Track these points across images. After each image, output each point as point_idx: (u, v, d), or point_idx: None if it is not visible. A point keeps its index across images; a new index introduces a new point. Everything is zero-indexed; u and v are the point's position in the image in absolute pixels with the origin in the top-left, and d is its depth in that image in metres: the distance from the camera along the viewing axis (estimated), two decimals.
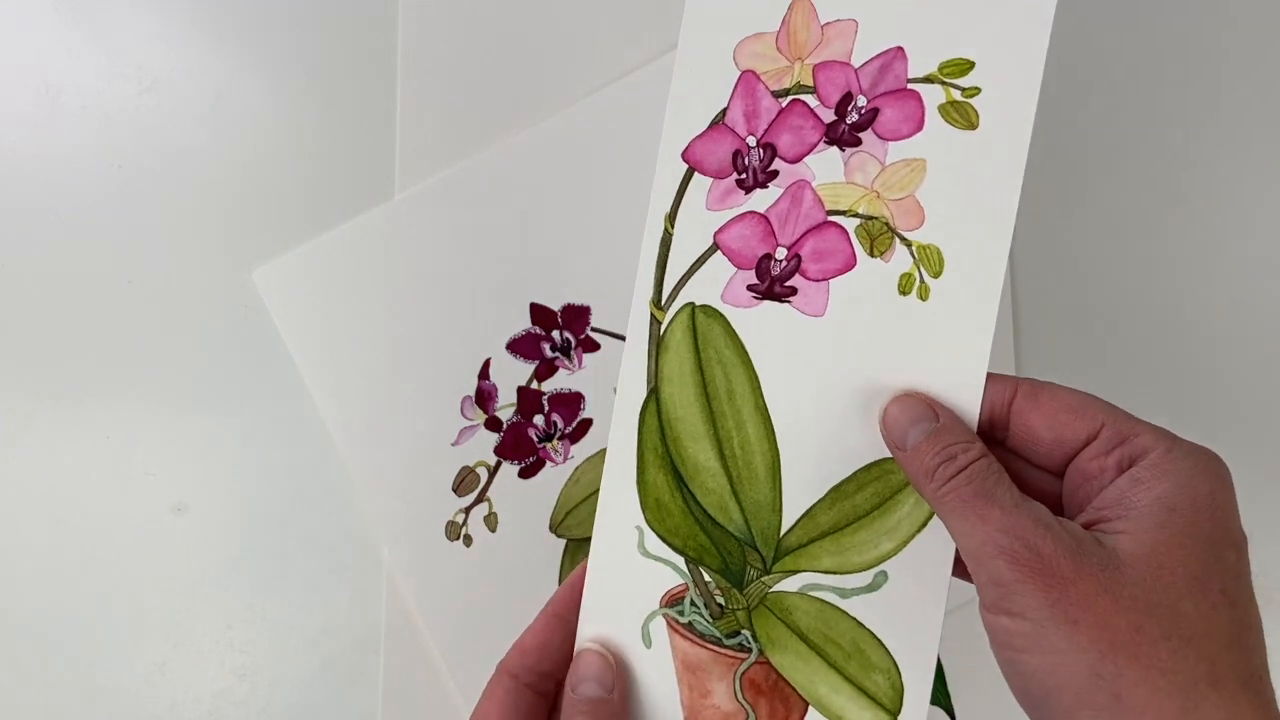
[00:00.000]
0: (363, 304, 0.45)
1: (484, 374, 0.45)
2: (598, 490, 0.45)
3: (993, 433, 0.32)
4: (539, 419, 0.46)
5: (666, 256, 0.34)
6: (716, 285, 0.34)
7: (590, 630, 0.35)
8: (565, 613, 0.34)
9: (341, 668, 0.46)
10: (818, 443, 0.34)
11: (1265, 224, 0.48)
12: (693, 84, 0.34)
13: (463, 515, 0.45)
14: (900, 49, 0.33)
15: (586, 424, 0.46)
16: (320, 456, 0.45)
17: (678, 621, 0.35)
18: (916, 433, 0.31)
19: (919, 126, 0.33)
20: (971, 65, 0.33)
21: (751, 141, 0.34)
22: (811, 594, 0.34)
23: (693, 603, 0.35)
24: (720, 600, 0.35)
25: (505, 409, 0.45)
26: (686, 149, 0.34)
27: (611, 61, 0.46)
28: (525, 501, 0.45)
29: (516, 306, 0.46)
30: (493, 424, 0.45)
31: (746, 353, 0.34)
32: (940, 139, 0.33)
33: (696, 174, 0.34)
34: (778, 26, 0.34)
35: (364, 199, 0.46)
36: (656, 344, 0.35)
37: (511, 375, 0.45)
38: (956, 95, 0.33)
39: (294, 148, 0.46)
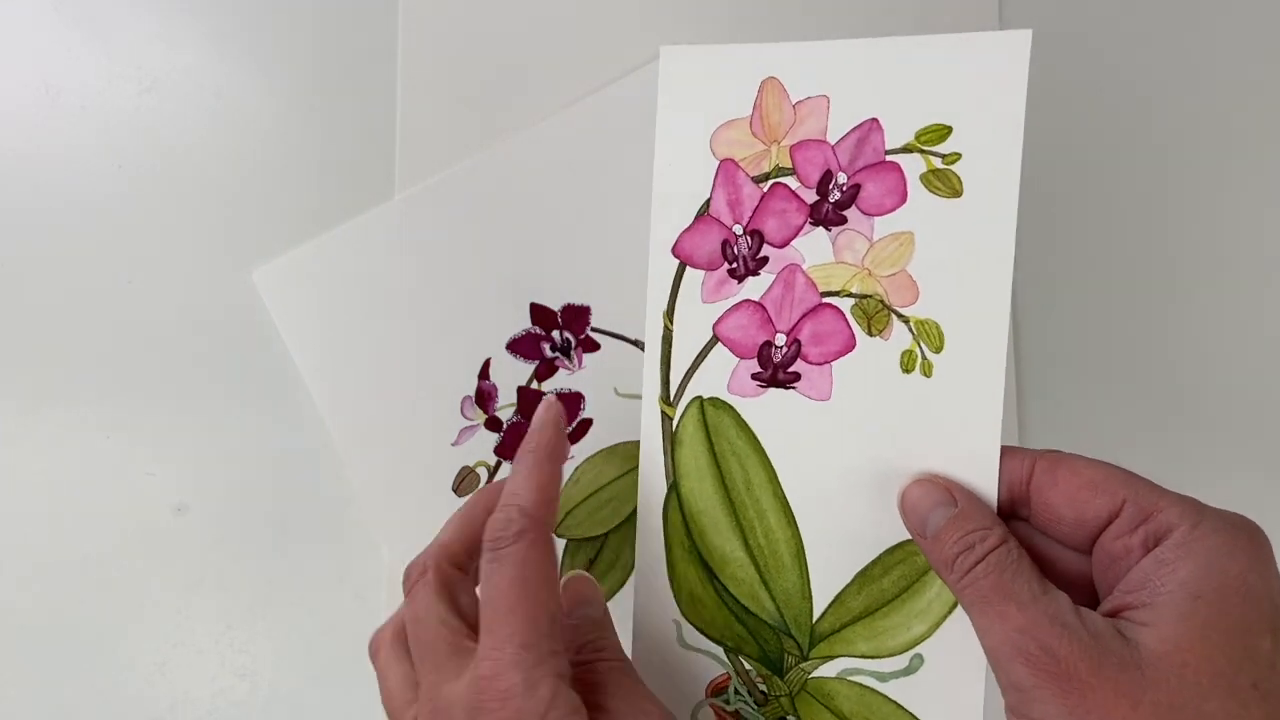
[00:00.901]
0: (363, 304, 0.45)
1: (484, 374, 0.45)
2: (598, 490, 0.46)
3: (1015, 510, 0.31)
4: None
5: (670, 353, 0.35)
6: (722, 377, 0.34)
7: None
8: (553, 451, 0.34)
9: (341, 668, 0.46)
10: (840, 527, 0.33)
11: (1266, 223, 0.48)
12: (674, 178, 0.34)
13: None
14: (875, 120, 0.32)
15: (586, 424, 0.46)
16: (320, 456, 0.45)
17: (725, 710, 0.35)
18: (936, 519, 0.30)
19: (903, 199, 0.32)
20: (949, 130, 0.32)
21: (738, 230, 0.34)
22: (851, 678, 0.34)
23: (737, 691, 0.35)
24: (763, 688, 0.35)
25: (505, 409, 0.45)
26: (676, 244, 0.34)
27: (612, 61, 0.46)
28: None
29: (516, 306, 0.46)
30: (493, 424, 0.45)
31: (759, 442, 0.34)
32: (925, 210, 0.32)
33: (689, 268, 0.34)
34: (750, 111, 0.33)
35: (364, 199, 0.46)
36: (671, 440, 0.35)
37: (511, 375, 0.45)
38: (937, 163, 0.32)
39: (294, 148, 0.46)
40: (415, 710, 0.30)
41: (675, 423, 0.35)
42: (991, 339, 0.31)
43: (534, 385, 0.46)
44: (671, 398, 0.35)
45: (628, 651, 0.34)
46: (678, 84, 0.34)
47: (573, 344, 0.46)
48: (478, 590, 0.32)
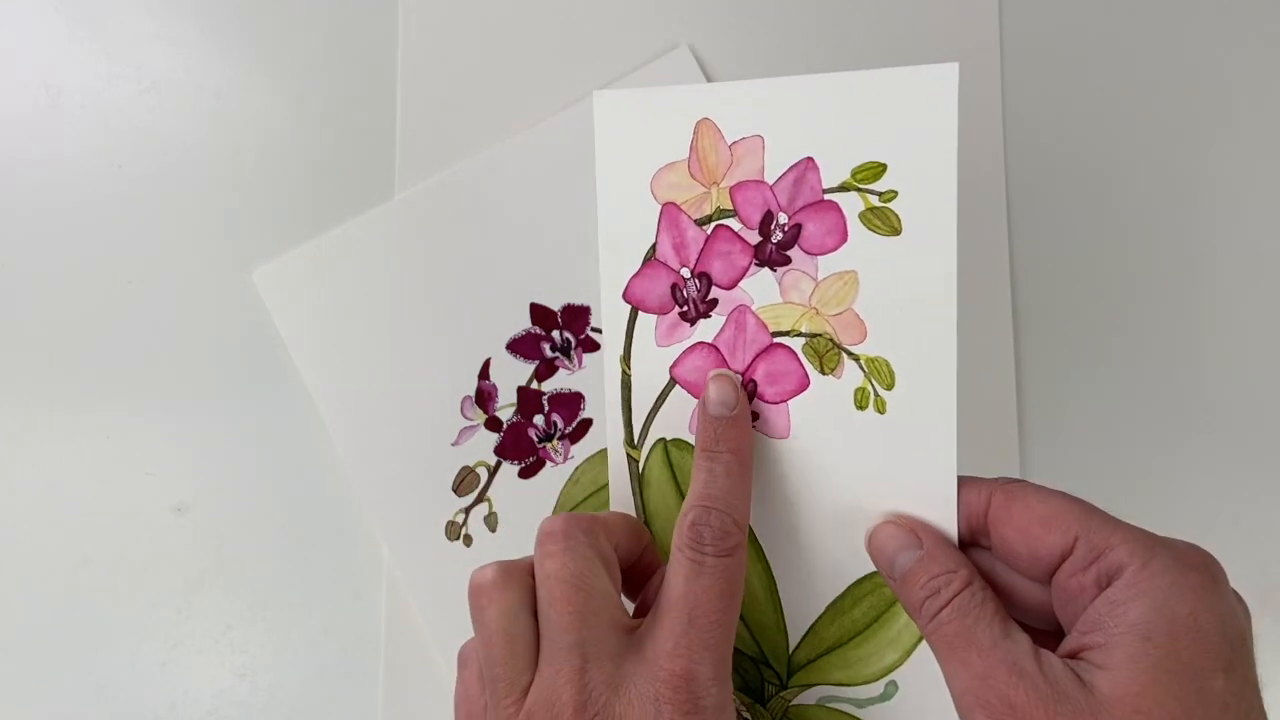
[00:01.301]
0: (363, 304, 0.45)
1: (484, 374, 0.45)
2: (598, 490, 0.46)
3: (975, 540, 0.32)
4: (539, 419, 0.46)
5: (630, 397, 0.35)
6: (682, 418, 0.34)
7: None
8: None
9: (341, 668, 0.46)
10: (808, 561, 0.34)
11: (1267, 223, 0.48)
12: (618, 223, 0.34)
13: (463, 515, 0.45)
14: (810, 160, 0.32)
15: (586, 424, 0.46)
16: (320, 456, 0.45)
17: None
18: (903, 561, 0.31)
19: (844, 237, 0.32)
20: (883, 168, 0.32)
21: (686, 273, 0.34)
22: (830, 705, 0.35)
23: None
24: (747, 716, 0.36)
25: (505, 409, 0.45)
26: (626, 290, 0.34)
27: (612, 61, 0.46)
28: (525, 501, 0.45)
29: (516, 306, 0.46)
30: (493, 424, 0.45)
31: None
32: (866, 248, 0.32)
33: (641, 312, 0.34)
34: (687, 153, 0.33)
35: (364, 199, 0.46)
36: (638, 481, 0.35)
37: (511, 375, 0.45)
38: (874, 200, 0.32)
39: (294, 148, 0.46)
40: (554, 670, 0.28)
41: (641, 465, 0.35)
42: (940, 374, 0.32)
43: (534, 385, 0.46)
44: (636, 440, 0.35)
45: None
46: (614, 129, 0.34)
47: (573, 344, 0.46)
48: (651, 583, 0.33)
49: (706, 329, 0.34)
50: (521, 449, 0.45)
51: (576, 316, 0.46)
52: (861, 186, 0.32)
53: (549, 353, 0.46)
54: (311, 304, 0.45)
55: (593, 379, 0.46)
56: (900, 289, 0.32)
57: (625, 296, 0.34)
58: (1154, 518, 0.46)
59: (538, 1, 0.47)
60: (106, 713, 0.45)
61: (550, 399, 0.46)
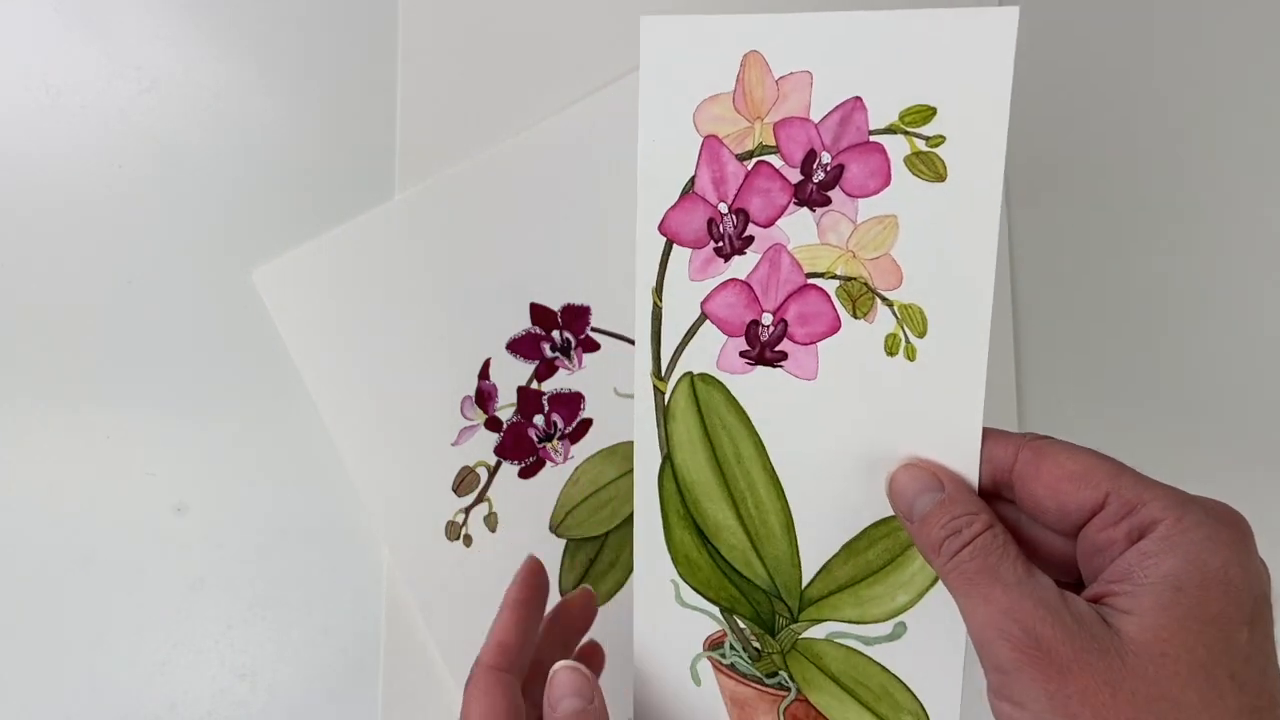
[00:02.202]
0: (363, 304, 0.45)
1: (484, 374, 0.45)
2: (598, 490, 0.46)
3: (999, 493, 0.32)
4: (539, 419, 0.46)
5: (660, 329, 0.35)
6: (711, 353, 0.34)
7: (644, 677, 0.37)
8: (527, 597, 0.35)
9: (341, 668, 0.46)
10: (827, 500, 0.34)
11: (1267, 222, 0.48)
12: (658, 155, 0.34)
13: (463, 515, 0.45)
14: (858, 99, 0.32)
15: (586, 424, 0.46)
16: (320, 456, 0.45)
17: (720, 662, 0.37)
18: (923, 503, 0.31)
19: (886, 181, 0.32)
20: (933, 112, 0.31)
21: (723, 208, 0.33)
22: (838, 641, 0.35)
23: (732, 646, 0.36)
24: (756, 645, 0.36)
25: (505, 409, 0.45)
26: (662, 222, 0.34)
27: (612, 61, 0.46)
28: (525, 501, 0.45)
29: (516, 306, 0.46)
30: (493, 424, 0.45)
31: (748, 417, 0.34)
32: (909, 193, 0.32)
33: (675, 245, 0.34)
34: (733, 85, 0.33)
35: (364, 199, 0.46)
36: (663, 413, 0.35)
37: (511, 375, 0.45)
38: (921, 145, 0.31)
39: (294, 148, 0.46)
40: None
41: (667, 397, 0.35)
42: (975, 325, 0.32)
43: (534, 385, 0.46)
44: (663, 372, 0.35)
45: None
46: (659, 56, 0.33)
47: (573, 344, 0.46)
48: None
49: (740, 266, 0.34)
50: (521, 449, 0.45)
51: (576, 316, 0.46)
52: (909, 130, 0.31)
53: (549, 353, 0.46)
54: (311, 304, 0.45)
55: (593, 379, 0.46)
56: (941, 237, 0.31)
57: (661, 229, 0.34)
58: None
59: (538, 1, 0.47)
60: (106, 713, 0.45)
61: (550, 399, 0.46)
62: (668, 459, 0.35)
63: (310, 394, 0.45)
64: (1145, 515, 0.28)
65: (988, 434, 0.32)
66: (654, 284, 0.34)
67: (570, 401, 0.46)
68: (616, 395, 0.46)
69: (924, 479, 0.31)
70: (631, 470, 0.44)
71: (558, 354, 0.46)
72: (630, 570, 0.45)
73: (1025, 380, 0.47)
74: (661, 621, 0.36)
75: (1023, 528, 0.32)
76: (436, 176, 0.46)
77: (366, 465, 0.45)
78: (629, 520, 0.45)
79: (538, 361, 0.46)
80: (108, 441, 0.46)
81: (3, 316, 0.46)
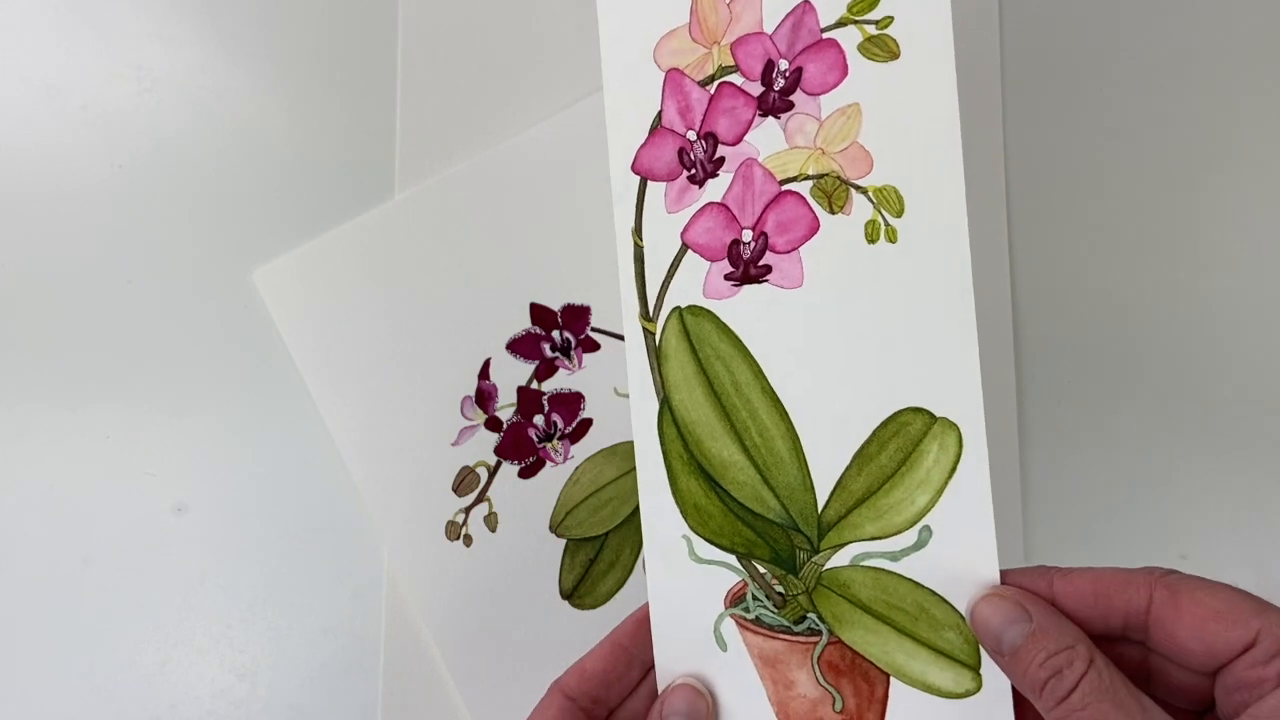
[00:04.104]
0: (363, 304, 0.45)
1: (484, 374, 0.45)
2: (598, 490, 0.46)
3: (1128, 635, 0.31)
4: (539, 419, 0.46)
5: (643, 269, 0.35)
6: (696, 283, 0.35)
7: (665, 650, 0.35)
8: (629, 644, 0.34)
9: (341, 668, 0.46)
10: (830, 411, 0.34)
11: (1267, 221, 0.48)
12: (623, 96, 0.35)
13: (463, 515, 0.45)
14: (806, 3, 0.33)
15: (586, 424, 0.46)
16: (320, 456, 0.45)
17: (745, 618, 0.35)
18: (1013, 636, 0.30)
19: (844, 72, 0.33)
20: None
21: (692, 136, 0.34)
22: (864, 564, 0.34)
23: (754, 596, 0.35)
24: (779, 589, 0.35)
25: (505, 409, 0.45)
26: (635, 161, 0.35)
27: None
28: (525, 501, 0.45)
29: (516, 306, 0.46)
30: (493, 424, 0.45)
31: (741, 341, 0.34)
32: (867, 78, 0.33)
33: (650, 182, 0.35)
34: (688, 18, 0.34)
35: (364, 199, 0.46)
36: (655, 355, 0.35)
37: (511, 375, 0.45)
38: (871, 30, 0.33)
39: (294, 148, 0.46)
40: None
41: (658, 337, 0.35)
42: (950, 194, 0.32)
43: (534, 385, 0.46)
44: (651, 313, 0.35)
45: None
46: (615, 3, 0.34)
47: (573, 344, 0.46)
48: None
49: (715, 189, 0.34)
50: (521, 449, 0.45)
51: (576, 316, 0.46)
52: (858, 19, 0.33)
53: (549, 353, 0.46)
54: (311, 304, 0.45)
55: (593, 379, 0.46)
56: (904, 113, 0.33)
57: (634, 168, 0.35)
58: (1155, 517, 0.46)
59: (538, 2, 0.47)
60: (106, 713, 0.45)
61: (550, 399, 0.46)
62: (665, 403, 0.35)
63: (310, 394, 0.45)
64: None
65: (1110, 574, 0.31)
66: (633, 224, 0.35)
67: (570, 401, 0.46)
68: (616, 395, 0.46)
69: (1008, 610, 0.30)
70: (633, 470, 0.44)
71: (558, 354, 0.46)
72: (631, 570, 0.45)
73: (1025, 379, 0.47)
74: (678, 584, 0.35)
75: (1149, 660, 0.31)
76: (436, 176, 0.46)
77: (366, 465, 0.45)
78: (629, 520, 0.45)
79: (538, 361, 0.46)
80: (108, 441, 0.46)
81: (3, 316, 0.46)
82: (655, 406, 0.35)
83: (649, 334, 0.35)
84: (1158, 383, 0.47)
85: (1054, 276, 0.47)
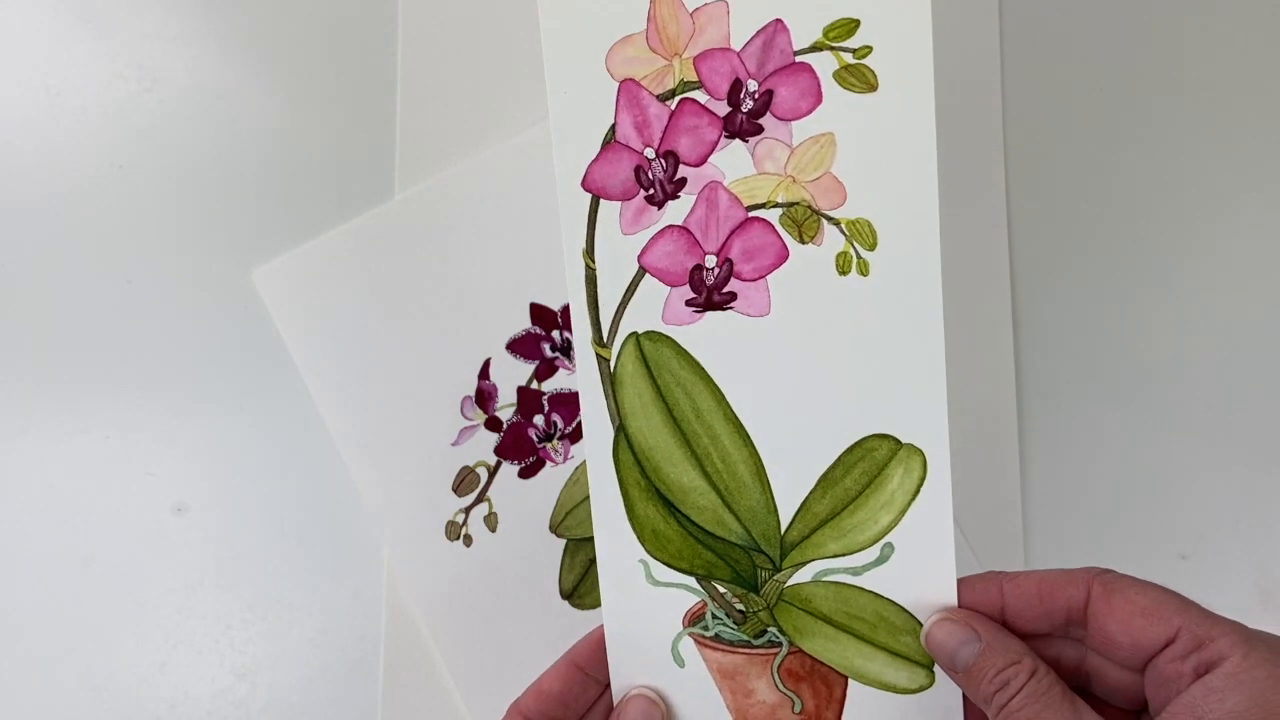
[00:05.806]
0: (363, 304, 0.45)
1: (484, 374, 0.45)
2: None
3: (1070, 631, 0.32)
4: (539, 419, 0.46)
5: (596, 293, 0.33)
6: (654, 309, 0.33)
7: (622, 670, 0.34)
8: (585, 664, 0.34)
9: (341, 668, 0.46)
10: (795, 437, 0.33)
11: (1268, 221, 0.48)
12: (571, 105, 0.32)
13: (463, 515, 0.45)
14: (779, 21, 0.31)
15: None
16: (320, 456, 0.45)
17: (704, 637, 0.35)
18: (965, 655, 0.32)
19: (818, 99, 0.31)
20: (857, 24, 0.31)
21: (650, 154, 0.32)
22: (826, 579, 0.34)
23: (714, 615, 0.35)
24: (740, 607, 0.35)
25: (505, 409, 0.45)
26: (585, 177, 0.33)
27: None
28: (525, 501, 0.45)
29: (516, 306, 0.46)
30: (493, 424, 0.45)
31: (702, 368, 0.33)
32: (842, 108, 0.31)
33: (603, 200, 0.33)
34: (645, 24, 0.32)
35: (364, 199, 0.46)
36: (610, 381, 0.34)
37: (511, 375, 0.46)
38: (848, 58, 0.31)
39: (294, 148, 0.46)
40: None
41: (613, 364, 0.34)
42: (924, 228, 0.31)
43: (534, 385, 0.46)
44: (605, 339, 0.34)
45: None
46: (559, 4, 0.32)
47: (573, 344, 0.46)
48: None
49: (676, 211, 0.33)
50: (521, 449, 0.45)
51: None
52: (835, 45, 0.31)
53: (549, 353, 0.46)
54: (311, 304, 0.45)
55: None
56: (880, 146, 0.31)
57: (585, 185, 0.33)
58: (1155, 518, 0.46)
59: (538, 2, 0.47)
60: (106, 712, 0.45)
61: (550, 399, 0.46)
62: (620, 430, 0.34)
63: (310, 394, 0.45)
64: (1213, 651, 0.28)
65: (1052, 574, 0.32)
66: (584, 245, 0.33)
67: (570, 401, 0.46)
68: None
69: (959, 632, 0.32)
70: None
71: (558, 354, 0.46)
72: None
73: (1025, 379, 0.47)
74: (634, 608, 0.35)
75: (1087, 660, 0.32)
76: (436, 176, 0.46)
77: (366, 465, 0.45)
78: None
79: (538, 361, 0.46)
80: (108, 441, 0.46)
81: (3, 316, 0.46)
82: (610, 434, 0.34)
83: (603, 360, 0.34)
84: (1158, 383, 0.47)
85: (1054, 277, 0.47)
